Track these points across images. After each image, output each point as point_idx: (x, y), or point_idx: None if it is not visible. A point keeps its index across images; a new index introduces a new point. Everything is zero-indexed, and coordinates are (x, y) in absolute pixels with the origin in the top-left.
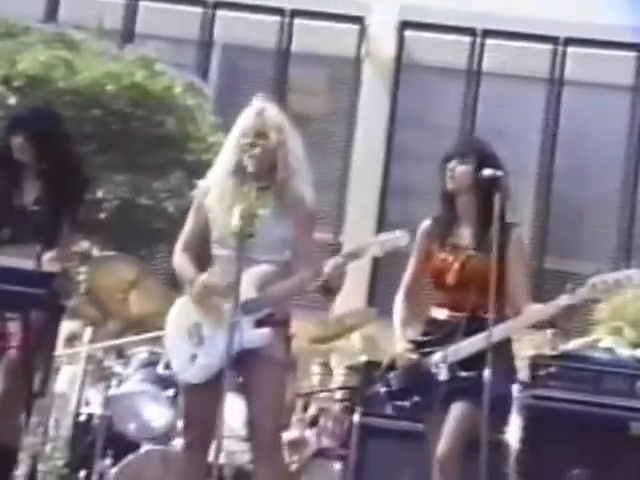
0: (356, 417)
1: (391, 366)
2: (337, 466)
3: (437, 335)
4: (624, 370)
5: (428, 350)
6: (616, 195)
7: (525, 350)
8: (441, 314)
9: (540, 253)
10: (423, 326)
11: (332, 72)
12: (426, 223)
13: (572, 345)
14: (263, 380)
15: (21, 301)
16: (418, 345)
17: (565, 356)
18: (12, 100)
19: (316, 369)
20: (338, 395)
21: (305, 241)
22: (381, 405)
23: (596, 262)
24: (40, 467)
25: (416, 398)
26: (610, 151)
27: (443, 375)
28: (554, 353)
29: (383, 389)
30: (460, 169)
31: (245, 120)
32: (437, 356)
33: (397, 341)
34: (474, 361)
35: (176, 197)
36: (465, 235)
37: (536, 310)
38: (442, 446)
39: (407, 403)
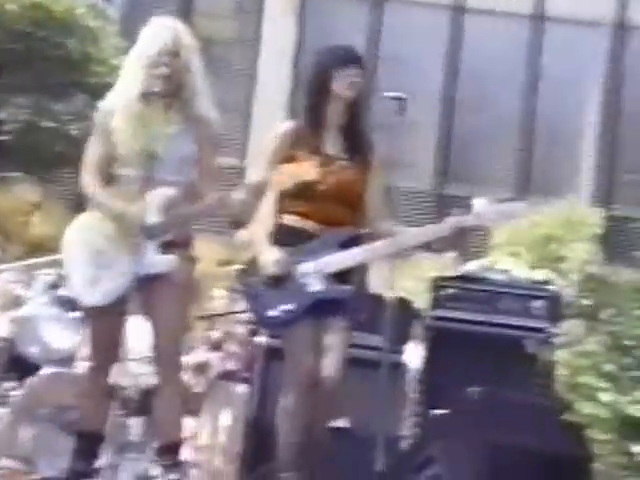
0: (261, 339)
1: (249, 274)
2: (241, 388)
3: (303, 245)
4: (520, 291)
5: (296, 260)
6: (516, 122)
7: (426, 272)
8: (304, 224)
9: (442, 179)
10: (277, 233)
11: None
12: (288, 125)
13: (470, 267)
14: (166, 302)
15: None
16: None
17: (464, 278)
18: None
19: (221, 292)
20: (243, 318)
21: (209, 161)
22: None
23: (497, 187)
24: None
25: (289, 307)
26: (511, 78)
27: (316, 286)
28: (453, 275)
29: (253, 297)
30: (359, 78)
31: (160, 39)
32: (308, 267)
33: (263, 249)
34: (342, 275)
35: (79, 120)
36: (333, 144)
37: (419, 232)
38: (329, 367)
39: (277, 312)
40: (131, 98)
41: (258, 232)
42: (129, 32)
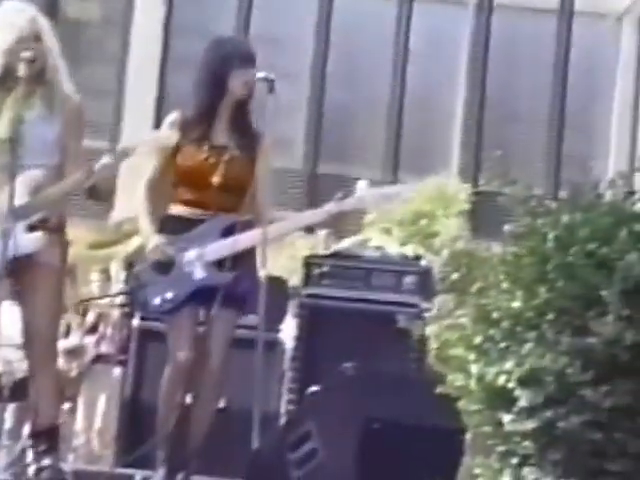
0: (135, 321)
1: (131, 263)
2: (117, 371)
3: (188, 233)
4: (392, 267)
5: (180, 247)
6: (385, 99)
7: (300, 251)
8: (191, 212)
9: (314, 157)
10: (165, 222)
11: None
12: (177, 116)
13: (343, 244)
14: (38, 286)
15: None
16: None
17: (337, 255)
18: None
19: (95, 276)
20: (117, 301)
21: (75, 143)
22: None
23: (367, 166)
24: None
25: (169, 295)
26: (382, 57)
27: (199, 274)
28: (326, 253)
29: (133, 284)
30: (254, 77)
31: (20, 24)
32: (191, 254)
33: (147, 235)
34: (227, 261)
35: None
36: (222, 136)
37: (299, 217)
38: (215, 359)
39: (159, 301)
40: None
41: (142, 218)
42: None
